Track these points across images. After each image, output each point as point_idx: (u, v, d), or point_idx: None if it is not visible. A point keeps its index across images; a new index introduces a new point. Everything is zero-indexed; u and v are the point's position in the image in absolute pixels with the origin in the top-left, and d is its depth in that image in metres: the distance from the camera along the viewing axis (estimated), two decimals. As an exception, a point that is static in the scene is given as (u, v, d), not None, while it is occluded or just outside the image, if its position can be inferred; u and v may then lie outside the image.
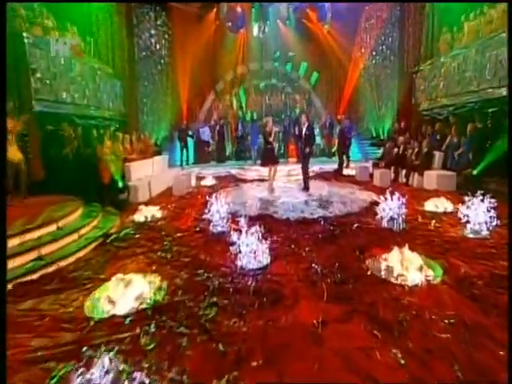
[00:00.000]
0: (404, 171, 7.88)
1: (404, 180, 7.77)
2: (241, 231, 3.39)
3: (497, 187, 6.72)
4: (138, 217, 5.15)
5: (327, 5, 13.69)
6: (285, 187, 7.96)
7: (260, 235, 3.37)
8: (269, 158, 7.20)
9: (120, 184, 5.79)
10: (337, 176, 8.99)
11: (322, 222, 4.80)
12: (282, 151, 12.17)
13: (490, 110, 7.76)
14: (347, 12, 13.91)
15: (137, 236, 4.34)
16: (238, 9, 13.98)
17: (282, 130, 12.91)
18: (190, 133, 12.52)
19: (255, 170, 10.06)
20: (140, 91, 12.65)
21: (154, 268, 3.29)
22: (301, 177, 7.58)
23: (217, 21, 14.76)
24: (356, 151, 12.57)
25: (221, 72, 15.49)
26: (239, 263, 3.30)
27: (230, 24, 14.12)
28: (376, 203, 5.77)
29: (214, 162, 12.69)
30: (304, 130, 7.02)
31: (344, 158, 9.69)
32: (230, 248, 3.38)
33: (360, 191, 7.21)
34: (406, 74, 11.40)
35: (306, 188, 7.25)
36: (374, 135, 13.32)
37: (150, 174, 7.83)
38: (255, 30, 14.69)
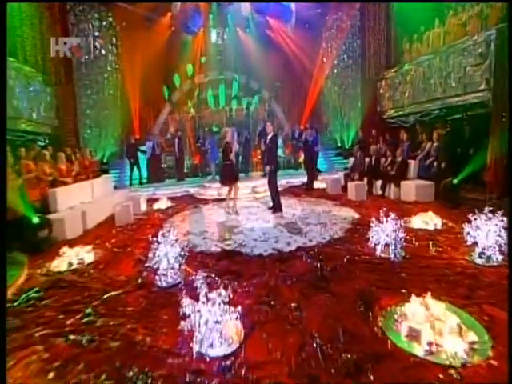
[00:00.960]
0: (378, 182, 7.23)
1: (379, 192, 7.11)
2: (198, 290, 2.21)
3: (477, 196, 6.32)
4: (58, 264, 3.69)
5: (291, 9, 13.16)
6: (251, 207, 6.89)
7: (226, 295, 2.22)
8: (228, 176, 6.13)
9: (36, 218, 4.26)
10: (307, 191, 8.12)
11: (305, 257, 3.77)
12: (244, 165, 11.10)
13: (456, 117, 7.48)
14: (310, 20, 13.57)
15: (43, 302, 2.91)
16: (193, 7, 12.84)
17: (244, 142, 11.85)
18: (143, 148, 11.04)
19: (216, 187, 8.87)
20: (82, 101, 10.97)
21: (52, 376, 1.95)
22: (268, 193, 6.56)
23: (172, 26, 13.61)
24: (322, 162, 11.94)
25: (177, 82, 14.27)
26: (195, 347, 2.11)
27: (184, 24, 12.89)
28: (360, 223, 5.03)
29: (173, 180, 11.22)
30: (268, 141, 6.07)
31: (313, 170, 8.90)
32: (182, 323, 2.17)
33: (336, 207, 6.36)
34: (369, 82, 11.10)
35: (277, 208, 6.23)
36: (339, 145, 12.87)
37: (87, 201, 6.30)
38: (213, 37, 13.75)
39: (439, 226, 4.78)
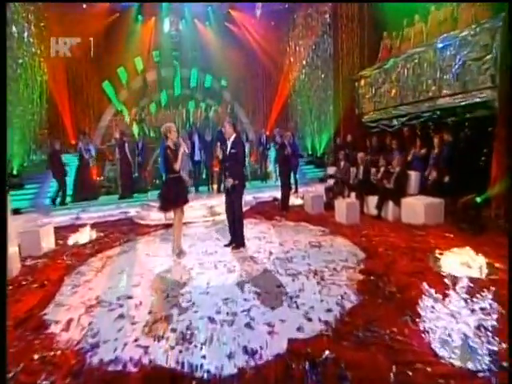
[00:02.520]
0: (370, 198, 5.57)
1: (373, 211, 5.43)
2: None
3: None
4: None
5: (257, 4, 11.40)
6: (207, 239, 4.80)
7: None
8: (171, 196, 3.94)
9: None
10: (282, 210, 6.21)
11: (307, 374, 1.78)
12: (206, 177, 8.93)
13: (453, 120, 6.15)
14: (276, 17, 11.96)
15: None
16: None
17: (204, 147, 9.52)
18: (67, 156, 8.36)
19: None
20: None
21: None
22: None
23: (116, 12, 11.15)
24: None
25: (124, 78, 11.77)
26: None
27: None
28: (373, 270, 3.18)
29: (113, 197, 8.60)
30: (229, 145, 4.09)
31: (289, 183, 7.01)
32: None
33: (326, 238, 4.51)
34: (344, 82, 9.62)
35: (239, 242, 4.25)
36: (310, 152, 11.29)
37: None
38: (166, 26, 11.50)
39: (486, 270, 3.12)
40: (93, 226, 5.87)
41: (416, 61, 6.60)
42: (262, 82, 12.91)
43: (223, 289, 3.09)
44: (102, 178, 9.18)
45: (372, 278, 3.10)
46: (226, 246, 4.31)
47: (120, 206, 7.43)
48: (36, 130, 9.76)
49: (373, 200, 5.47)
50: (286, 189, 6.22)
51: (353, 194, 5.97)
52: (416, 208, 4.80)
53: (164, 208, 3.99)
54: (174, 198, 3.90)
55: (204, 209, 6.29)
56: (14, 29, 8.92)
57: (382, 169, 5.66)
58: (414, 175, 5.35)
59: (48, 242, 4.85)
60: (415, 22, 7.36)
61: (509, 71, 4.89)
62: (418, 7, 7.36)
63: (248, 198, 7.36)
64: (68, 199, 7.97)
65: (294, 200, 6.96)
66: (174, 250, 4.10)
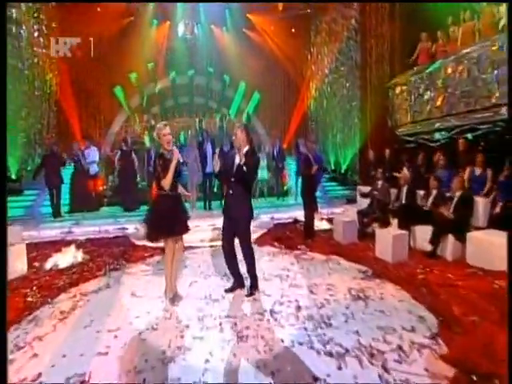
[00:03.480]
0: (418, 229, 4.35)
1: (426, 247, 4.18)
2: None
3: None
4: None
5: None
6: (209, 275, 3.67)
7: None
8: (163, 222, 2.83)
9: None
10: (307, 236, 5.03)
11: None
12: (215, 189, 7.84)
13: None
14: (297, 23, 11.11)
15: None
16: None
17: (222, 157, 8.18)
18: (76, 159, 7.49)
19: None
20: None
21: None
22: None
23: (131, 16, 10.56)
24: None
25: (136, 84, 11.11)
26: None
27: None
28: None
29: (115, 208, 7.65)
30: (239, 158, 2.99)
31: (314, 201, 5.86)
32: None
33: (370, 283, 3.30)
34: (372, 92, 8.54)
35: (253, 288, 3.14)
36: (333, 168, 10.13)
37: None
38: (181, 29, 10.80)
39: None
40: (80, 245, 4.90)
41: (474, 61, 5.39)
42: (281, 91, 11.98)
43: (229, 373, 1.94)
44: (105, 187, 8.26)
45: (468, 372, 1.89)
46: (227, 291, 3.17)
47: (119, 221, 6.42)
48: (42, 133, 9.08)
49: (422, 231, 4.25)
50: (310, 211, 5.06)
51: (394, 222, 4.75)
52: (491, 248, 3.54)
53: (151, 237, 2.88)
54: (165, 224, 2.81)
55: (212, 230, 5.20)
56: (23, 27, 8.35)
57: (435, 192, 4.45)
58: (481, 202, 4.12)
59: (17, 266, 3.84)
60: (464, 19, 6.23)
61: None
62: (465, 4, 6.27)
63: (265, 218, 6.26)
64: (65, 209, 7.06)
65: (316, 223, 5.80)
66: (167, 293, 2.99)
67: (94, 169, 7.58)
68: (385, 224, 4.69)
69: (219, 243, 4.91)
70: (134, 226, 6.01)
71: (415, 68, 6.84)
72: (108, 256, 4.49)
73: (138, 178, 7.94)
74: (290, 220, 6.26)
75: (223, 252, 3.15)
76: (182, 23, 10.55)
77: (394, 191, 5.13)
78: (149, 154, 8.13)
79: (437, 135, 6.35)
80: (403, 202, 4.79)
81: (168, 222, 2.79)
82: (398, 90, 7.20)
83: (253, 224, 4.96)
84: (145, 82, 11.20)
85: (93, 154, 7.62)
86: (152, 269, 3.95)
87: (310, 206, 5.10)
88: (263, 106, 12.03)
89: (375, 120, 8.16)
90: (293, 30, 11.42)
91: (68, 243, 4.91)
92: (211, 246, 4.81)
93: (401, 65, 7.72)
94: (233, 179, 2.98)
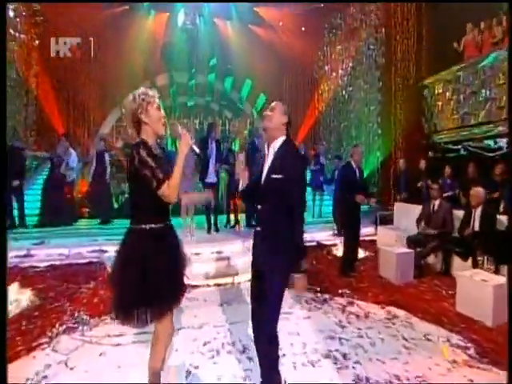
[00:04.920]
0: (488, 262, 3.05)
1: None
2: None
3: None
4: None
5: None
6: (213, 344, 2.26)
7: None
8: (165, 286, 1.44)
9: None
10: (345, 273, 3.65)
11: None
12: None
13: None
14: (309, 19, 9.92)
15: None
16: None
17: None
18: (56, 161, 5.93)
19: None
20: None
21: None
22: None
23: (124, 4, 9.24)
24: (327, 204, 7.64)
25: (131, 80, 9.74)
26: None
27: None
28: None
29: (92, 222, 6.19)
30: (272, 164, 1.60)
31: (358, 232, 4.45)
32: None
33: (477, 376, 1.98)
34: (399, 93, 7.34)
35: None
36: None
37: None
38: (181, 18, 9.51)
39: None
40: (33, 278, 3.46)
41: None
42: (290, 94, 10.73)
43: None
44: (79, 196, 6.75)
45: None
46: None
47: (96, 240, 4.95)
48: (17, 130, 7.63)
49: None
50: (353, 240, 3.69)
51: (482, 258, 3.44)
52: None
53: (125, 318, 1.45)
54: (166, 288, 1.46)
55: (216, 261, 3.79)
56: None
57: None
58: None
59: None
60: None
61: None
62: None
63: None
64: (33, 221, 5.59)
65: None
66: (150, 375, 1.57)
67: (71, 176, 6.12)
68: (464, 258, 3.37)
69: (226, 280, 3.59)
70: (114, 248, 4.58)
71: (462, 63, 5.60)
72: (69, 298, 3.04)
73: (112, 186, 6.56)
74: (313, 243, 4.89)
75: (252, 316, 1.73)
76: (183, 12, 9.26)
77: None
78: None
79: (487, 142, 5.11)
80: (476, 228, 3.48)
81: (170, 282, 1.47)
82: (437, 89, 5.95)
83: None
84: (140, 78, 9.85)
85: (71, 160, 6.17)
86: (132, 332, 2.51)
87: (354, 238, 3.73)
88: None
89: (404, 125, 6.92)
90: (303, 29, 10.24)
91: (17, 274, 3.48)
92: (218, 285, 3.41)
93: (434, 64, 6.55)
94: (259, 202, 1.62)
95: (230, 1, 9.64)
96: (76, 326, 2.50)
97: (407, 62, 7.61)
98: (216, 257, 3.84)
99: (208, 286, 3.40)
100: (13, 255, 4.23)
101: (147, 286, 1.39)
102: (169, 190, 1.39)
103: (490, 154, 4.85)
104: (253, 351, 2.03)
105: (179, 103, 10.50)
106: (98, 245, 4.72)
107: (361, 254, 4.35)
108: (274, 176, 1.54)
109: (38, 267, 3.92)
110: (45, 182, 5.72)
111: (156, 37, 9.72)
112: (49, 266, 3.97)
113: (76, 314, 2.68)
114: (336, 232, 5.14)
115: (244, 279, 3.54)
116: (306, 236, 5.11)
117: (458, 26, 5.97)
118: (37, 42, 8.05)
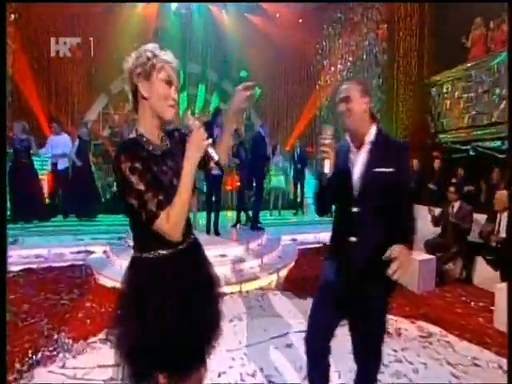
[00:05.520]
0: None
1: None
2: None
3: None
4: None
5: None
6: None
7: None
8: (184, 341, 0.96)
9: None
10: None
11: None
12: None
13: None
14: (307, 12, 9.43)
15: None
16: None
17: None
18: (18, 146, 5.05)
19: None
20: None
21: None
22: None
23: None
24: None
25: (119, 66, 8.91)
26: None
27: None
28: None
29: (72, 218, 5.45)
30: (365, 157, 1.25)
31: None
32: None
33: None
34: (402, 90, 7.05)
35: None
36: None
37: None
38: (174, 5, 8.82)
39: None
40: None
41: None
42: (286, 88, 10.26)
43: None
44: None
45: None
46: None
47: (81, 240, 4.34)
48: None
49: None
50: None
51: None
52: None
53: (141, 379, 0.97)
54: (189, 341, 0.97)
55: (218, 266, 3.31)
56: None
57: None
58: None
59: None
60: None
61: None
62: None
63: (285, 240, 4.47)
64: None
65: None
66: None
67: (63, 163, 5.38)
68: (495, 266, 3.08)
69: (235, 288, 3.13)
70: (102, 249, 4.01)
71: (473, 61, 5.33)
72: (47, 313, 2.49)
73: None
74: (319, 245, 4.51)
75: (308, 345, 1.36)
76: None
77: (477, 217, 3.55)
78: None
79: (496, 143, 4.89)
80: (502, 234, 3.20)
81: (193, 333, 0.99)
82: (446, 87, 5.67)
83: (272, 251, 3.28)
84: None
85: (63, 144, 5.37)
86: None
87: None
88: (265, 105, 10.27)
89: (407, 124, 6.64)
90: (300, 21, 9.76)
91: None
92: (224, 295, 2.94)
93: (441, 60, 6.28)
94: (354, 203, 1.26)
95: (227, 1, 9.04)
96: (55, 353, 1.97)
97: (410, 59, 7.34)
98: (219, 261, 3.37)
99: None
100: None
101: (160, 344, 0.92)
102: (167, 225, 0.88)
103: (501, 156, 4.63)
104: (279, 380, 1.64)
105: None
106: (82, 245, 4.14)
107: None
108: (379, 170, 1.21)
109: (9, 272, 3.31)
110: (10, 171, 4.91)
111: (147, 21, 8.95)
112: (23, 271, 3.38)
113: (55, 336, 2.14)
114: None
115: (252, 287, 3.11)
116: (310, 235, 4.72)
117: (463, 23, 5.71)
118: (12, 16, 7.15)
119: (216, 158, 0.98)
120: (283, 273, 3.41)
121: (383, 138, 1.28)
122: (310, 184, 6.81)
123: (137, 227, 0.98)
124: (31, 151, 4.91)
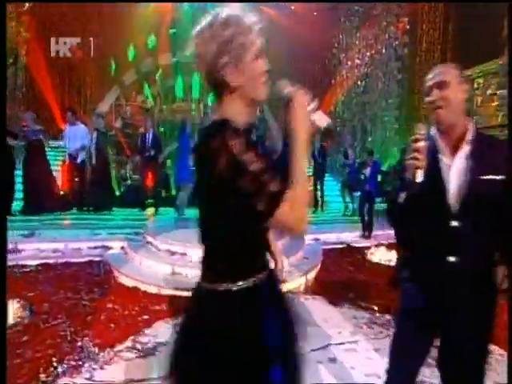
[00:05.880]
0: None
1: None
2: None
3: None
4: None
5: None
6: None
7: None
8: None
9: None
10: (393, 286, 3.09)
11: None
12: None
13: None
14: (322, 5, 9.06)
15: None
16: None
17: None
18: (29, 136, 4.85)
19: (173, 249, 3.41)
20: None
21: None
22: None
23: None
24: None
25: (132, 58, 8.76)
26: None
27: None
28: None
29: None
30: (471, 174, 1.01)
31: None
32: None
33: None
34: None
35: None
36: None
37: None
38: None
39: None
40: (20, 283, 2.71)
41: None
42: (301, 83, 9.92)
43: None
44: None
45: None
46: None
47: (98, 234, 4.17)
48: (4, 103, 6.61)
49: None
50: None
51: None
52: None
53: None
54: None
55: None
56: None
57: None
58: None
59: None
60: None
61: None
62: None
63: (307, 240, 4.24)
64: (18, 206, 4.72)
65: (376, 251, 3.92)
66: None
67: (81, 156, 5.20)
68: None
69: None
70: (119, 244, 3.84)
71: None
72: (68, 314, 2.31)
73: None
74: (342, 245, 4.28)
75: (390, 376, 1.16)
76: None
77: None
78: (144, 140, 5.78)
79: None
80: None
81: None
82: (477, 82, 5.32)
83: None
84: (142, 56, 8.89)
85: (81, 136, 5.15)
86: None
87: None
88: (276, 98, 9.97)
89: (428, 121, 6.32)
90: (315, 13, 9.40)
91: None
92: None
93: (472, 53, 5.93)
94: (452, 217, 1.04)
95: (233, 1, 8.71)
96: (80, 362, 1.79)
97: (433, 53, 7.01)
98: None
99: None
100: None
101: None
102: (293, 215, 0.66)
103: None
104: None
105: (182, 83, 9.57)
106: (99, 240, 3.97)
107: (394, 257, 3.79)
108: (487, 177, 0.97)
109: (26, 266, 3.16)
110: (24, 160, 4.74)
111: (161, 11, 8.70)
112: (40, 265, 3.22)
113: (79, 342, 1.96)
114: (365, 233, 4.54)
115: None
116: (333, 235, 4.45)
117: (492, 16, 5.35)
118: (26, 4, 6.95)
119: (325, 123, 0.78)
120: (311, 275, 3.19)
121: (483, 136, 1.06)
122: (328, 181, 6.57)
123: (215, 245, 0.75)
124: (44, 142, 4.74)
